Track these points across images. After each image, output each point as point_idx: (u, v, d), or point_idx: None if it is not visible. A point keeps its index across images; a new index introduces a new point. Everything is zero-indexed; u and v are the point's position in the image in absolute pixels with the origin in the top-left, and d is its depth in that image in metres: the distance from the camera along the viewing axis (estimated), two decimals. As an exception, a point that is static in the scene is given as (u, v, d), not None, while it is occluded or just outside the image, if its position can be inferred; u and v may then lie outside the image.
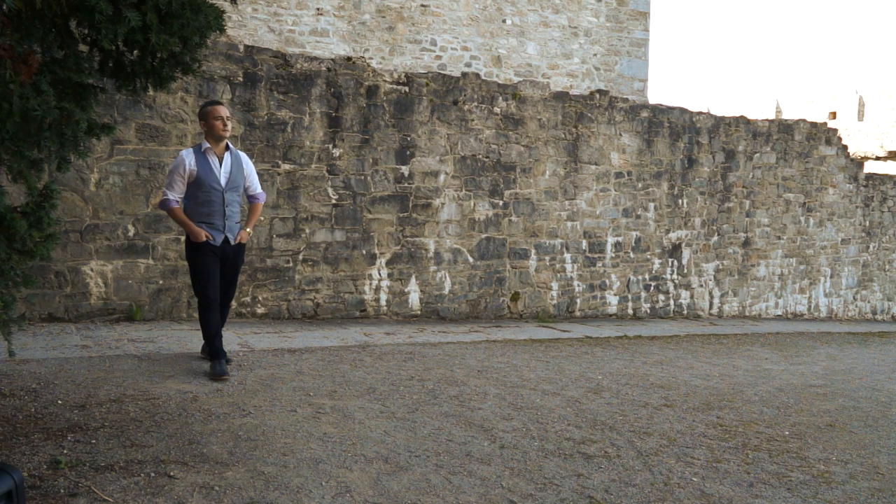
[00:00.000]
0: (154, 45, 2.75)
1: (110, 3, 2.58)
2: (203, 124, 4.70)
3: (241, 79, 7.07)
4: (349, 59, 7.88)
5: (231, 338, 6.09)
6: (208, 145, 4.68)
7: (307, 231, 7.50)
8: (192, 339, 5.92)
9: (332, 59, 7.76)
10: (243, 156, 4.90)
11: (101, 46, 2.80)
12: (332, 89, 7.60)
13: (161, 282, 6.75)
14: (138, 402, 3.98)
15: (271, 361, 5.32)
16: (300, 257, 7.47)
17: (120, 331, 6.08)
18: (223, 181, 4.70)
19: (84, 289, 6.41)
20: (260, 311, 7.27)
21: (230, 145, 4.79)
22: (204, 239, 4.63)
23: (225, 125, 4.66)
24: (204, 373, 4.73)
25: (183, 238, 6.82)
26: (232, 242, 4.77)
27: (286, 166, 7.36)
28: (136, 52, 3.01)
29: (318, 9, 11.44)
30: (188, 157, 4.63)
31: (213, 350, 4.77)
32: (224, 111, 4.67)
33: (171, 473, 3.01)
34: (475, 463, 3.51)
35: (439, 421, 4.14)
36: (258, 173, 7.18)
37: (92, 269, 6.44)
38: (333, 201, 7.67)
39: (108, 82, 3.60)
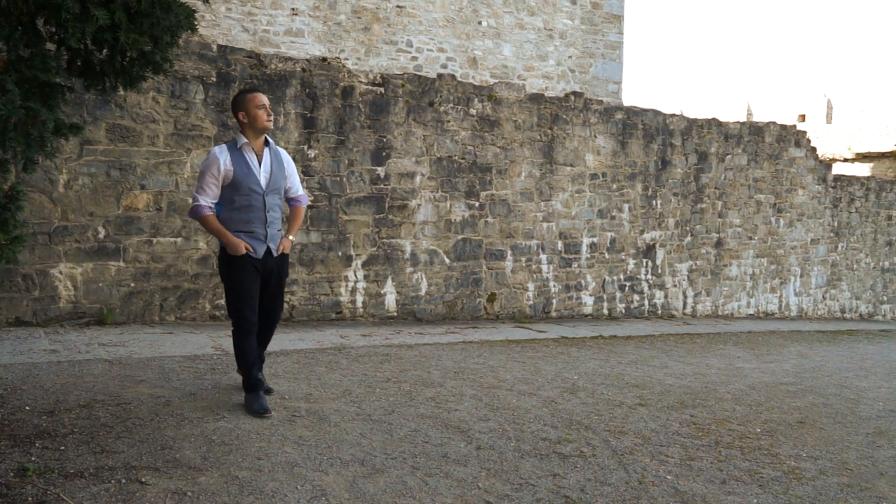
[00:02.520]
0: (123, 44, 2.71)
1: (78, 1, 2.54)
2: (243, 115, 3.96)
3: (214, 79, 6.99)
4: (324, 59, 7.83)
5: (204, 341, 6.02)
6: (245, 140, 3.98)
7: (282, 233, 7.44)
8: (164, 342, 5.84)
9: (307, 60, 7.71)
10: (283, 152, 4.22)
11: (69, 45, 2.75)
12: (307, 90, 7.55)
13: (133, 284, 6.64)
14: (109, 407, 3.91)
15: (246, 364, 5.26)
16: (275, 259, 7.40)
17: (90, 335, 5.97)
18: (264, 182, 4.00)
19: (53, 292, 6.29)
20: (234, 313, 7.19)
21: (269, 140, 4.12)
22: (244, 252, 3.93)
23: (269, 115, 4.00)
24: (240, 405, 4.09)
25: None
26: (274, 253, 4.08)
27: (260, 167, 7.29)
28: (105, 51, 2.96)
29: (293, 9, 11.37)
30: (222, 156, 3.93)
31: (252, 382, 4.07)
32: (266, 99, 4.01)
33: (143, 479, 2.96)
34: (451, 464, 3.51)
35: (416, 423, 4.13)
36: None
37: (61, 272, 6.32)
38: (309, 202, 7.61)
39: (77, 82, 3.53)
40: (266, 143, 4.09)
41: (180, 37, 3.10)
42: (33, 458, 3.09)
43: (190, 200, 6.89)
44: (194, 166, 6.91)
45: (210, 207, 3.98)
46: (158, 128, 6.72)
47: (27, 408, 3.80)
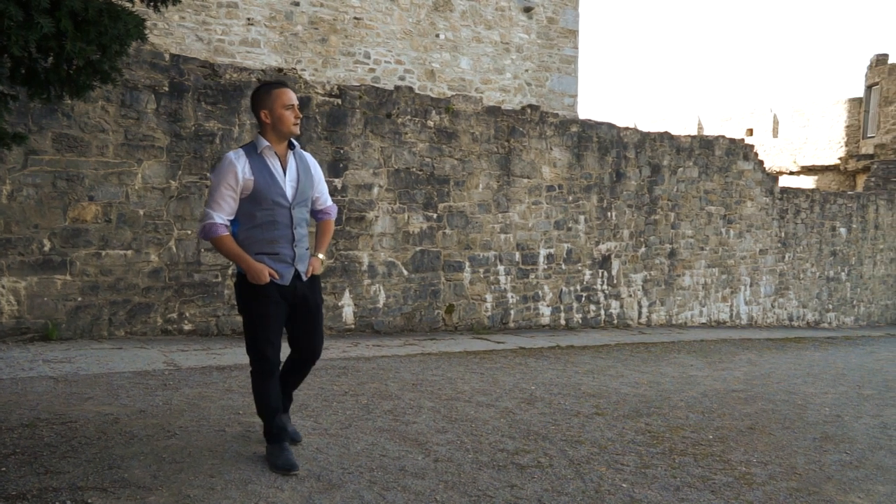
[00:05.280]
0: (69, 52, 2.63)
1: (21, 8, 2.46)
2: (265, 114, 3.32)
3: (166, 88, 6.86)
4: (280, 70, 7.77)
5: (155, 356, 5.87)
6: (267, 143, 3.34)
7: (237, 245, 7.30)
8: (113, 358, 5.67)
9: (263, 70, 7.64)
10: (309, 157, 3.58)
11: (12, 53, 2.67)
12: (263, 100, 7.46)
13: (80, 299, 6.44)
14: (53, 426, 3.77)
15: (199, 380, 5.15)
16: (229, 272, 7.28)
17: (34, 351, 5.76)
18: (290, 193, 3.37)
19: (-5, 307, 6.05)
20: (187, 327, 7.03)
21: (295, 143, 3.48)
22: (268, 279, 3.29)
23: (298, 117, 3.37)
24: (263, 461, 3.46)
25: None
26: (303, 277, 3.45)
27: (215, 178, 7.16)
28: (50, 59, 2.87)
29: (248, 19, 11.26)
30: (239, 162, 3.27)
31: (274, 431, 3.46)
32: (295, 97, 3.38)
33: (89, 500, 2.86)
34: (409, 477, 3.48)
35: (373, 436, 4.10)
36: (190, 185, 6.99)
37: (3, 286, 6.09)
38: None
39: (21, 90, 3.42)
40: (290, 146, 3.46)
41: (129, 45, 3.04)
42: (-29, 482, 2.96)
43: (142, 213, 6.74)
44: (146, 177, 6.77)
45: (226, 226, 3.31)
46: (108, 137, 6.56)
47: (-35, 428, 3.64)
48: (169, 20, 10.54)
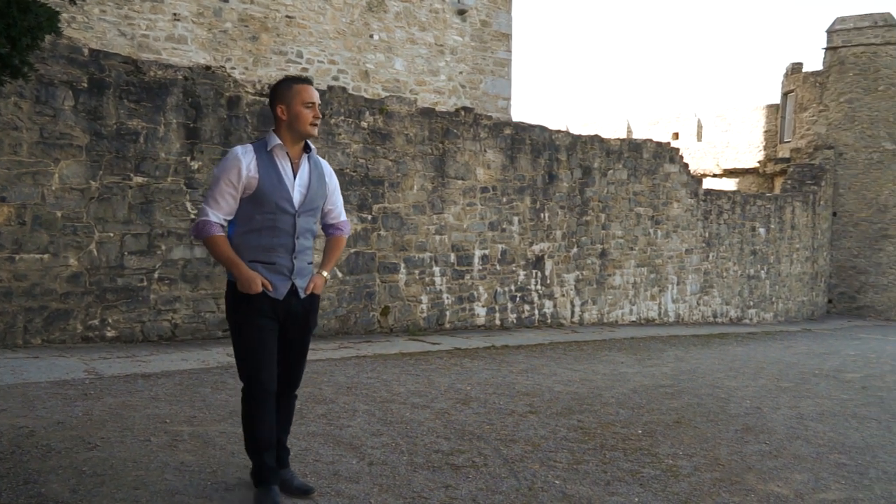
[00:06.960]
0: (-25, 44, 2.48)
1: (-81, -5, 2.30)
2: (282, 110, 3.07)
3: (85, 85, 6.57)
4: (208, 68, 7.56)
5: (75, 364, 5.61)
6: (278, 141, 3.07)
7: (163, 248, 7.07)
8: (28, 367, 5.38)
9: (190, 68, 7.41)
10: (325, 164, 3.30)
11: (-89, 43, 2.50)
12: (190, 99, 7.25)
13: (-8, 306, 6.09)
14: (-39, 441, 3.55)
15: (122, 388, 4.94)
16: (155, 275, 7.02)
17: (-59, 362, 5.41)
18: (297, 199, 3.09)
19: None
20: (110, 334, 6.75)
21: (311, 147, 3.21)
22: (259, 289, 2.98)
23: (317, 117, 3.11)
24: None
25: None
26: (301, 294, 3.13)
27: (139, 179, 6.91)
28: (-46, 51, 2.70)
29: (174, 14, 10.90)
30: (245, 158, 3.01)
31: (264, 470, 3.08)
32: (317, 95, 3.13)
33: (0, 519, 2.70)
34: (343, 482, 3.44)
35: (306, 441, 4.03)
36: (112, 186, 6.71)
37: None
38: (192, 216, 7.29)
39: (-78, 84, 3.19)
40: (306, 149, 3.18)
41: (42, 39, 2.88)
42: None
43: (59, 214, 6.43)
44: (63, 177, 6.45)
45: (221, 226, 3.04)
46: (21, 136, 6.22)
47: None
48: (89, 13, 10.10)
